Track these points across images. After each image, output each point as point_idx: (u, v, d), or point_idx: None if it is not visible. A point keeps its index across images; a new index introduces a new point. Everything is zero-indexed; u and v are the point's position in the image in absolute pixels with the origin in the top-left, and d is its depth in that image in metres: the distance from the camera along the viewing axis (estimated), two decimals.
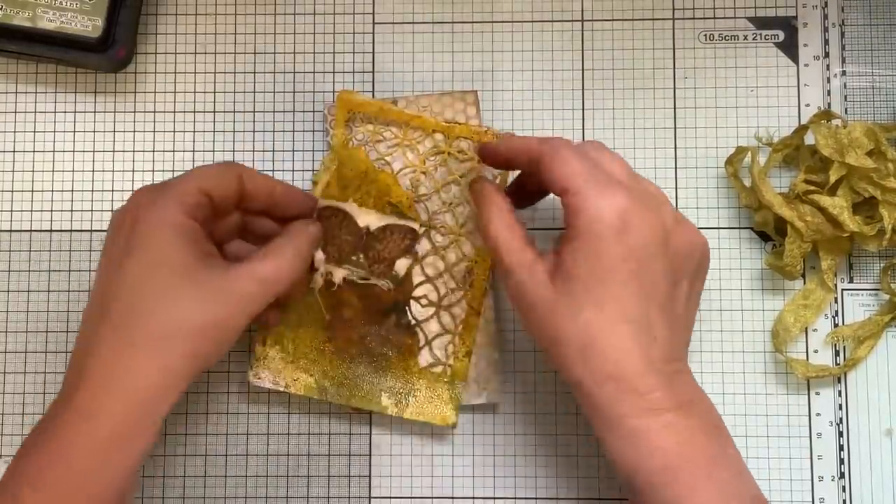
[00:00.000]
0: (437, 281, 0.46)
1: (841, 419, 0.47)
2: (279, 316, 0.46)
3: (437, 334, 0.46)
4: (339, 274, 0.45)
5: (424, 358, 0.46)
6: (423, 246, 0.46)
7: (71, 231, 0.48)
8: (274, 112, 0.49)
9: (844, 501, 0.46)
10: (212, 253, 0.40)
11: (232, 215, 0.43)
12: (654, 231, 0.37)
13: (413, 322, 0.46)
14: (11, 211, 0.49)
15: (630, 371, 0.37)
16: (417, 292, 0.46)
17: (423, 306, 0.46)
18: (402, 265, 0.46)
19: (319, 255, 0.45)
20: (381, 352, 0.46)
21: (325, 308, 0.45)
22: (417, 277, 0.46)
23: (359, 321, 0.46)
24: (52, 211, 0.49)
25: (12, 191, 0.49)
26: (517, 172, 0.45)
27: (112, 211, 0.48)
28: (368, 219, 0.45)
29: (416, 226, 0.46)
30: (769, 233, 0.47)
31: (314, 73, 0.49)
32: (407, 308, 0.46)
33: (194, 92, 0.49)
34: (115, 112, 0.49)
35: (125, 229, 0.39)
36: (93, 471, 0.36)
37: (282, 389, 0.46)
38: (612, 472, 0.39)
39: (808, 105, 0.48)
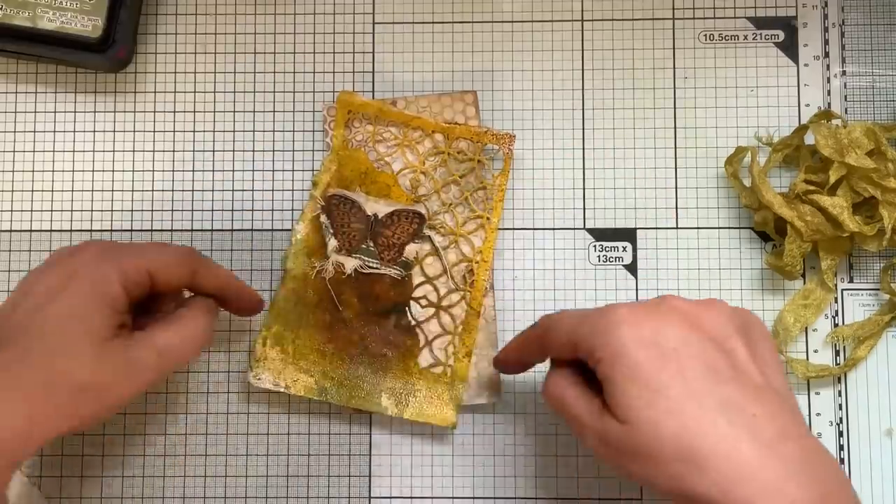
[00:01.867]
0: (437, 281, 0.46)
1: (841, 419, 0.47)
2: None
3: (438, 335, 0.46)
4: (350, 264, 0.45)
5: (425, 358, 0.46)
6: (423, 246, 0.46)
7: (71, 231, 0.48)
8: (274, 112, 0.49)
9: None
10: (125, 324, 0.39)
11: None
12: (674, 322, 0.35)
13: (413, 323, 0.46)
14: (11, 211, 0.49)
15: (747, 459, 0.32)
16: (417, 293, 0.46)
17: (422, 307, 0.46)
18: (411, 250, 0.46)
19: (333, 243, 0.45)
20: (382, 352, 0.46)
21: (336, 299, 0.45)
22: (417, 278, 0.46)
23: (359, 322, 0.46)
24: (52, 211, 0.49)
25: (12, 191, 0.49)
26: (509, 175, 0.44)
27: (111, 210, 0.49)
28: (376, 206, 0.46)
29: (423, 210, 0.46)
30: (769, 233, 0.47)
31: (314, 73, 0.49)
32: (407, 309, 0.46)
33: (194, 92, 0.49)
34: (115, 112, 0.49)
35: (59, 275, 0.38)
36: None
37: (282, 390, 0.46)
38: None
39: (808, 105, 0.48)
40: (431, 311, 0.46)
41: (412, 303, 0.46)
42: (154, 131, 0.49)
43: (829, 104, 0.48)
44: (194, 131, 0.49)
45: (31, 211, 0.49)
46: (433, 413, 0.46)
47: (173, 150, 0.49)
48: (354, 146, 0.47)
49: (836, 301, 0.47)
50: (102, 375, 0.37)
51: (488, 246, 0.46)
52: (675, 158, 0.48)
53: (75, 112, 0.49)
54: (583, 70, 0.49)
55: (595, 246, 0.48)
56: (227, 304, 0.43)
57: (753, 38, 0.49)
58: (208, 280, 0.42)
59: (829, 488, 0.32)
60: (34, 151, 0.49)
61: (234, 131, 0.49)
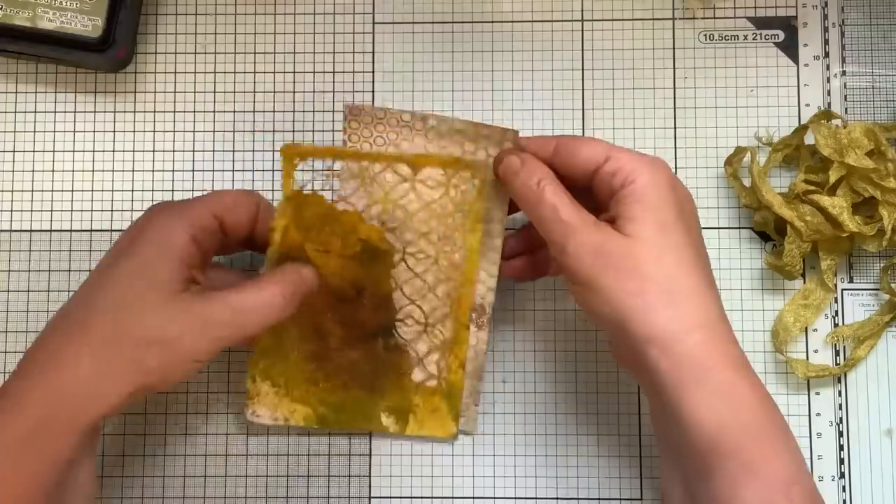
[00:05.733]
0: (420, 301, 0.45)
1: (841, 419, 0.47)
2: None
3: (428, 351, 0.45)
4: None
5: (418, 374, 0.45)
6: (401, 272, 0.45)
7: (71, 231, 0.48)
8: (274, 112, 0.49)
9: (844, 501, 0.46)
10: (197, 280, 0.39)
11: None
12: (687, 194, 0.40)
13: (402, 342, 0.45)
14: (11, 211, 0.49)
15: (715, 317, 0.37)
16: (401, 315, 0.45)
17: (408, 326, 0.45)
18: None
19: None
20: (374, 373, 0.45)
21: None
22: (399, 301, 0.45)
23: (345, 347, 0.45)
24: (52, 211, 0.49)
25: (12, 191, 0.49)
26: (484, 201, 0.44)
27: (112, 210, 0.49)
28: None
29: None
30: (769, 233, 0.47)
31: (314, 73, 0.49)
32: (393, 330, 0.45)
33: (194, 92, 0.49)
34: (115, 112, 0.49)
35: (128, 235, 0.39)
36: (4, 468, 0.34)
37: (282, 423, 0.45)
38: (688, 434, 0.36)
39: (808, 105, 0.48)
40: (419, 328, 0.45)
41: (397, 324, 0.45)
42: (154, 131, 0.49)
43: (829, 104, 0.48)
44: (194, 131, 0.49)
45: (31, 211, 0.49)
46: (434, 426, 0.45)
47: (173, 150, 0.49)
48: (312, 190, 0.43)
49: (836, 301, 0.47)
50: (169, 329, 0.36)
51: (471, 267, 0.44)
52: (675, 158, 0.48)
53: (75, 112, 0.49)
54: (583, 70, 0.49)
55: None
56: None
57: (753, 38, 0.49)
58: (271, 216, 0.42)
59: (747, 359, 0.37)
60: (34, 151, 0.49)
61: (233, 131, 0.49)
